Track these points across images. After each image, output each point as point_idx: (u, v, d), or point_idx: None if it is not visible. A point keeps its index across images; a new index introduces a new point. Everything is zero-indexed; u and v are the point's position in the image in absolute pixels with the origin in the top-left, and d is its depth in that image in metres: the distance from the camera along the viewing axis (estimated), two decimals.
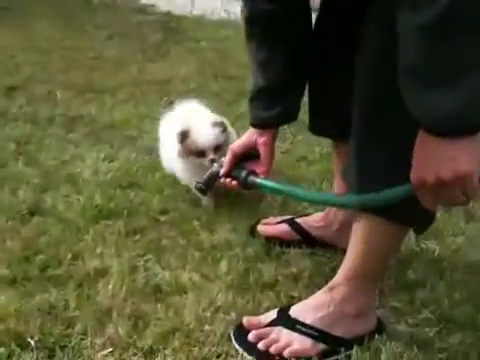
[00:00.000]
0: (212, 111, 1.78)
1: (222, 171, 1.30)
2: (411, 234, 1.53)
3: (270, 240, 1.50)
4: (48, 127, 2.26)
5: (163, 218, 1.61)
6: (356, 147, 1.07)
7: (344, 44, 1.15)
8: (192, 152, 1.60)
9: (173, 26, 4.28)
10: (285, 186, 1.24)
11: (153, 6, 5.03)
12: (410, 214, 1.04)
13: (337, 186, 1.40)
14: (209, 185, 1.36)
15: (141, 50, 3.59)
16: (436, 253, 1.46)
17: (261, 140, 1.28)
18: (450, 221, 1.60)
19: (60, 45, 3.65)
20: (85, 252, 1.40)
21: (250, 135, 1.30)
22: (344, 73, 1.09)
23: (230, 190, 1.38)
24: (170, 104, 2.57)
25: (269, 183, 1.23)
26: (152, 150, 1.93)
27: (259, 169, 1.28)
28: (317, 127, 1.39)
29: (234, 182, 1.28)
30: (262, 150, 1.29)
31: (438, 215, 1.58)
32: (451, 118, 0.82)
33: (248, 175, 1.25)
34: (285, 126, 2.24)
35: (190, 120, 1.63)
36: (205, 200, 1.67)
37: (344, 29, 1.19)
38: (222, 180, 1.32)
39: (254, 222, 1.57)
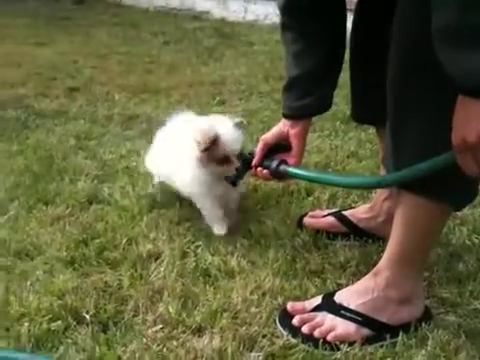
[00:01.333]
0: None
1: (254, 161, 1.33)
2: (463, 229, 1.52)
3: (317, 232, 1.51)
4: (107, 125, 2.37)
5: None
6: (390, 126, 1.08)
7: (381, 31, 1.16)
8: (216, 159, 1.43)
9: (227, 31, 4.37)
10: (317, 173, 1.25)
11: (208, 13, 5.15)
12: (448, 190, 1.04)
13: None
14: (240, 175, 1.40)
15: (195, 54, 3.68)
16: None
17: (293, 131, 1.30)
18: None
19: (118, 51, 3.81)
20: (139, 237, 1.46)
21: (282, 126, 1.32)
22: (383, 59, 1.10)
23: (263, 179, 1.38)
24: (222, 103, 2.65)
25: (301, 171, 1.26)
26: None
27: (290, 161, 1.30)
28: (358, 114, 1.40)
29: (265, 171, 1.31)
30: (294, 142, 1.30)
31: None
32: None
33: (279, 164, 1.28)
34: (337, 123, 2.31)
35: (214, 125, 1.44)
36: (216, 228, 1.50)
37: (381, 16, 1.20)
38: (253, 170, 1.34)
39: (301, 215, 1.59)
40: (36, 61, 3.44)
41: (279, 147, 1.32)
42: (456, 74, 0.87)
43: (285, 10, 1.26)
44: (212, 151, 1.41)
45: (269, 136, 1.33)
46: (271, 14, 4.68)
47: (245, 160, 1.39)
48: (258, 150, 1.33)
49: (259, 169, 1.33)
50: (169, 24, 4.75)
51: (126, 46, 3.95)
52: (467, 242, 1.46)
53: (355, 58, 1.31)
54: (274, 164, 1.29)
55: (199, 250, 1.43)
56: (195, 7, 5.31)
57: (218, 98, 2.71)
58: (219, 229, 1.49)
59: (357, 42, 1.30)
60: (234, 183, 1.44)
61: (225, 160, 1.42)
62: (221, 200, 1.51)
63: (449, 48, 0.87)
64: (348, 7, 1.27)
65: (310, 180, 1.37)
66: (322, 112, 1.33)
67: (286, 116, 1.31)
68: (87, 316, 1.17)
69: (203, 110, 2.55)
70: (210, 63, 3.48)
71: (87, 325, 1.15)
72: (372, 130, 2.23)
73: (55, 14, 5.13)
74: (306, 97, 1.27)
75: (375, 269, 1.18)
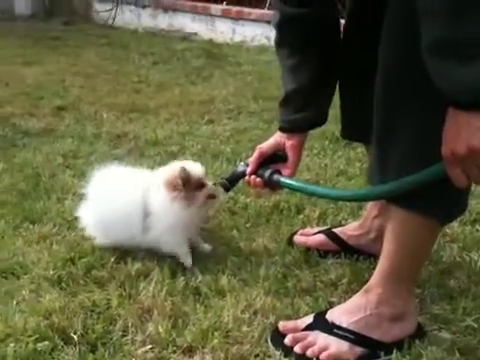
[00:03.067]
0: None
1: (248, 169, 1.33)
2: (454, 246, 1.52)
3: (308, 250, 1.50)
4: (95, 143, 2.35)
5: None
6: (376, 143, 1.09)
7: (370, 50, 1.17)
8: (193, 187, 1.40)
9: (215, 52, 4.39)
10: (308, 185, 1.27)
11: (196, 34, 5.19)
12: (436, 203, 1.05)
13: None
14: (233, 182, 1.41)
15: (184, 74, 3.69)
16: (479, 264, 1.43)
17: (289, 143, 1.31)
18: None
19: (106, 70, 3.80)
20: (128, 256, 1.44)
21: (278, 137, 1.33)
22: (372, 77, 1.11)
23: (254, 187, 1.37)
24: (211, 122, 2.65)
25: (293, 182, 1.27)
26: None
27: (284, 172, 1.31)
28: (348, 131, 1.41)
29: (258, 180, 1.31)
30: (290, 153, 1.31)
31: None
32: (477, 90, 0.85)
33: (272, 174, 1.29)
34: (325, 142, 2.31)
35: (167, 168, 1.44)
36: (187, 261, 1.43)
37: (370, 35, 1.21)
38: (246, 178, 1.35)
39: (292, 232, 1.58)
40: (24, 80, 3.42)
41: (275, 158, 1.33)
42: (447, 87, 0.88)
43: (281, 25, 1.27)
44: (189, 184, 1.39)
45: (265, 146, 1.34)
46: (259, 36, 4.73)
47: (239, 169, 1.39)
48: (253, 159, 1.33)
49: (253, 177, 1.33)
50: (158, 45, 4.77)
51: (114, 66, 3.95)
52: (458, 259, 1.46)
53: (344, 75, 1.32)
54: (267, 173, 1.30)
55: (187, 269, 1.41)
56: (184, 28, 5.35)
57: (207, 117, 2.71)
58: (189, 262, 1.43)
59: (346, 60, 1.31)
60: (227, 189, 1.43)
61: (200, 185, 1.42)
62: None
63: (440, 61, 0.88)
64: None
65: (301, 191, 1.38)
66: (319, 125, 1.34)
67: (283, 129, 1.32)
68: (75, 336, 1.14)
69: (192, 128, 2.56)
70: (199, 83, 3.49)
71: (75, 345, 1.12)
72: (361, 149, 2.25)
73: (44, 34, 5.12)
74: (303, 110, 1.28)
75: (366, 286, 1.17)
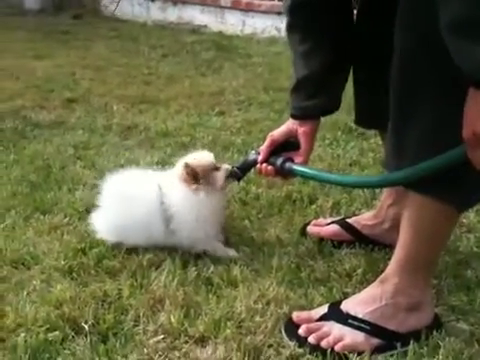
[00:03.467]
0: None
1: (260, 157, 1.31)
2: (470, 236, 1.49)
3: (321, 240, 1.48)
4: (105, 135, 2.34)
5: None
6: (393, 127, 1.06)
7: (384, 34, 1.14)
8: (208, 172, 1.38)
9: (225, 44, 4.37)
10: (321, 172, 1.24)
11: (205, 27, 5.16)
12: (454, 188, 1.02)
13: None
14: (244, 171, 1.39)
15: (194, 66, 3.67)
16: None
17: (302, 130, 1.28)
18: None
19: (116, 63, 3.79)
20: (140, 247, 1.42)
21: (291, 124, 1.30)
22: (386, 62, 1.08)
23: (266, 175, 1.35)
24: (222, 114, 2.62)
25: (306, 169, 1.24)
26: None
27: (297, 159, 1.28)
28: (363, 118, 1.37)
29: (270, 168, 1.29)
30: (302, 140, 1.29)
31: None
32: None
33: (285, 161, 1.26)
34: (338, 132, 2.29)
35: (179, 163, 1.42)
36: (230, 251, 1.41)
37: (383, 19, 1.18)
38: (258, 166, 1.32)
39: (305, 223, 1.55)
40: (34, 74, 3.41)
41: (287, 145, 1.30)
42: (468, 66, 0.85)
43: (292, 9, 1.24)
44: (204, 171, 1.37)
45: (277, 133, 1.31)
46: (269, 27, 4.69)
47: (250, 157, 1.36)
48: (264, 147, 1.31)
49: (264, 165, 1.30)
50: (167, 37, 4.74)
51: (124, 58, 3.93)
52: (475, 249, 1.43)
53: (358, 60, 1.29)
54: (279, 161, 1.27)
55: (200, 258, 1.39)
56: (193, 21, 5.32)
57: (217, 109, 2.69)
58: (232, 252, 1.41)
59: (360, 44, 1.28)
60: (239, 178, 1.41)
61: (216, 169, 1.40)
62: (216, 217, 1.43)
63: (459, 40, 0.85)
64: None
65: (314, 179, 1.35)
66: (331, 112, 1.31)
67: (294, 117, 1.29)
68: (86, 326, 1.13)
69: (202, 120, 2.53)
70: (209, 75, 3.47)
71: (86, 336, 1.11)
72: (374, 139, 2.22)
73: (53, 29, 5.12)
74: (315, 97, 1.25)
75: (382, 276, 1.15)
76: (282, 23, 4.73)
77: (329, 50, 1.23)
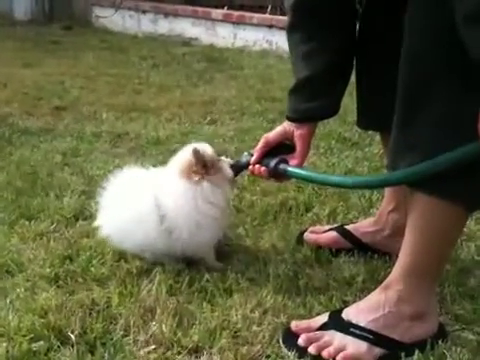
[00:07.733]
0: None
1: (253, 158, 1.26)
2: (471, 244, 1.45)
3: (319, 248, 1.43)
4: (94, 142, 2.29)
5: None
6: (398, 126, 1.02)
7: (390, 32, 1.11)
8: (215, 161, 1.31)
9: (216, 56, 4.35)
10: (317, 174, 1.19)
11: (196, 39, 5.15)
12: (462, 187, 0.97)
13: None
14: (237, 172, 1.33)
15: (185, 77, 3.64)
16: None
17: (298, 133, 1.24)
18: None
19: (106, 73, 3.74)
20: (128, 253, 1.36)
21: (287, 126, 1.26)
22: (391, 60, 1.05)
23: (259, 177, 1.30)
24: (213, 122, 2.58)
25: (300, 171, 1.20)
26: None
27: (292, 162, 1.23)
28: (365, 118, 1.33)
29: (262, 169, 1.24)
30: (298, 143, 1.24)
31: None
32: None
33: (278, 163, 1.22)
34: (332, 142, 2.26)
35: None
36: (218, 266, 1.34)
37: (391, 16, 1.15)
38: (250, 167, 1.27)
39: (301, 231, 1.51)
40: (23, 82, 3.36)
41: (282, 148, 1.26)
42: None
43: (295, 8, 1.20)
44: (206, 163, 1.28)
45: (271, 135, 1.27)
46: (260, 40, 4.68)
47: (243, 160, 1.31)
48: (258, 148, 1.26)
49: (257, 167, 1.25)
50: (158, 49, 4.72)
51: (114, 68, 3.89)
52: (476, 258, 1.40)
53: (361, 62, 1.26)
54: (273, 162, 1.22)
55: (193, 266, 1.33)
56: (184, 33, 5.31)
57: (209, 117, 2.65)
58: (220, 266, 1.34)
59: (363, 46, 1.25)
60: (236, 173, 1.34)
61: (218, 161, 1.32)
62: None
63: (476, 32, 0.82)
64: None
65: (309, 180, 1.30)
66: (330, 116, 1.27)
67: (292, 119, 1.24)
68: (72, 336, 1.06)
69: (194, 128, 2.49)
70: (200, 85, 3.43)
71: (72, 346, 1.04)
72: (368, 149, 2.20)
73: (43, 39, 5.08)
74: (314, 100, 1.21)
75: (385, 282, 1.10)
76: (273, 36, 4.75)
77: (333, 51, 1.19)
